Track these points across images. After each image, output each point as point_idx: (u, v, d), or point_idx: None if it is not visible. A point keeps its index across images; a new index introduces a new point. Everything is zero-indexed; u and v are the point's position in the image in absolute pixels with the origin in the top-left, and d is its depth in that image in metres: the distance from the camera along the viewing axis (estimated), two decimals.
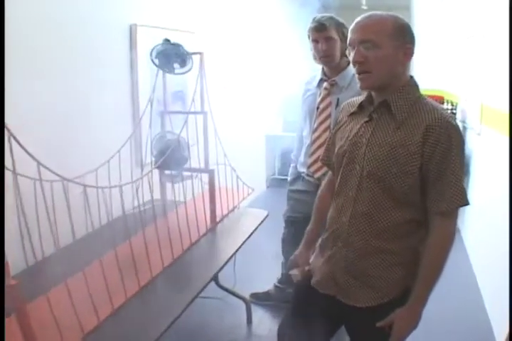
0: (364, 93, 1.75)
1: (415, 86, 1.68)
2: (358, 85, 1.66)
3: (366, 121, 1.69)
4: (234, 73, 4.99)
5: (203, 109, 2.80)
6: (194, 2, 4.07)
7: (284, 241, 3.31)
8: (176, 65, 2.68)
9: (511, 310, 2.26)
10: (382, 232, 1.65)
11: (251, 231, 2.87)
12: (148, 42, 3.04)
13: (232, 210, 3.17)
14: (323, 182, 2.03)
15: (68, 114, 2.69)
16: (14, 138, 1.46)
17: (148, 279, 2.18)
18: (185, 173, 2.80)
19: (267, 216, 3.15)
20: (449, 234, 1.61)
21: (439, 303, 2.00)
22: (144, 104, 2.77)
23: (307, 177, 3.01)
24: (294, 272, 1.97)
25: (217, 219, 2.94)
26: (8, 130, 1.44)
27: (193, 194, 2.65)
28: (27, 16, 2.38)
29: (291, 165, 3.24)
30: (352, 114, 1.78)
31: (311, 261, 1.93)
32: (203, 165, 2.86)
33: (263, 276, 3.71)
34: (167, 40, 2.67)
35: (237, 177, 3.15)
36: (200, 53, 2.74)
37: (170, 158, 2.49)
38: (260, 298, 3.47)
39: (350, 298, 1.73)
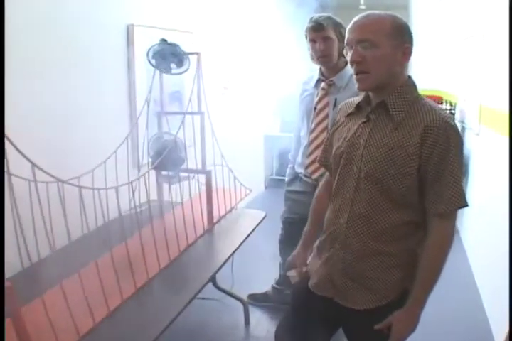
0: (362, 93, 1.73)
1: (413, 86, 1.66)
2: (356, 86, 1.64)
3: (364, 122, 1.68)
4: (232, 73, 4.98)
5: (199, 110, 2.79)
6: (192, 2, 4.06)
7: (281, 242, 3.30)
8: (173, 65, 2.67)
9: (511, 309, 2.25)
10: (380, 234, 1.64)
11: (248, 232, 2.86)
12: (145, 42, 3.04)
13: (230, 211, 3.16)
14: (321, 183, 2.02)
15: (65, 114, 2.69)
16: (7, 138, 1.45)
17: (144, 281, 2.17)
18: (182, 174, 2.79)
19: (265, 217, 3.14)
20: (448, 236, 1.59)
21: (438, 304, 1.99)
22: (141, 104, 2.76)
23: (305, 178, 3.00)
24: (292, 273, 1.96)
25: (215, 220, 2.93)
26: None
27: (190, 195, 2.63)
28: (24, 16, 2.38)
29: (289, 165, 3.23)
30: (349, 114, 1.77)
31: (308, 262, 1.92)
32: (200, 166, 2.84)
33: (261, 277, 3.70)
34: (164, 40, 2.65)
35: (235, 178, 3.14)
36: (197, 53, 2.73)
37: (167, 158, 2.48)
38: (258, 299, 3.45)
39: (347, 301, 1.72)
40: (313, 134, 2.88)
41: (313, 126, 2.89)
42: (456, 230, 1.64)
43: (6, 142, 1.44)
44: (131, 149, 2.85)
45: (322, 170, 2.42)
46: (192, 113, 2.72)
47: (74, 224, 1.82)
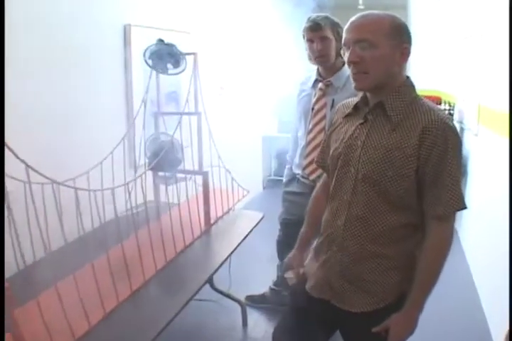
0: (359, 94, 1.72)
1: (411, 86, 1.65)
2: (353, 86, 1.63)
3: (361, 123, 1.66)
4: (229, 73, 4.97)
5: (196, 110, 2.77)
6: (189, 2, 4.05)
7: (279, 243, 3.29)
8: (170, 66, 2.66)
9: (511, 309, 2.24)
10: (377, 236, 1.62)
11: (246, 233, 2.85)
12: (142, 42, 3.02)
13: (227, 212, 3.14)
14: (318, 184, 2.01)
15: (62, 114, 2.68)
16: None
17: (141, 282, 2.16)
18: (179, 175, 2.78)
19: (263, 218, 3.13)
20: (447, 238, 1.58)
21: (436, 304, 1.98)
22: (138, 104, 2.74)
23: (302, 179, 2.99)
24: (289, 275, 1.94)
25: (212, 222, 2.92)
26: None
27: (187, 196, 2.62)
28: (20, 17, 2.37)
29: (287, 166, 3.22)
30: (347, 115, 1.75)
31: (305, 263, 1.90)
32: (197, 167, 2.83)
33: (258, 279, 3.69)
34: (160, 40, 2.64)
35: (232, 179, 3.13)
36: (194, 54, 2.71)
37: (163, 159, 2.47)
38: (256, 301, 3.44)
39: (345, 303, 1.70)
40: (311, 135, 2.87)
41: (310, 126, 2.88)
42: (455, 231, 1.63)
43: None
44: (128, 150, 2.83)
45: (320, 171, 2.40)
46: (189, 113, 2.71)
47: (70, 226, 1.81)
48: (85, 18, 2.83)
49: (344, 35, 1.60)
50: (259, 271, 3.85)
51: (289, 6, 4.34)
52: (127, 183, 2.15)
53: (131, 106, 3.29)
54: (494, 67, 3.46)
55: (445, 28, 6.09)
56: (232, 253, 2.60)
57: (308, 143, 2.88)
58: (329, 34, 2.73)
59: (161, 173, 2.85)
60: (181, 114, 2.59)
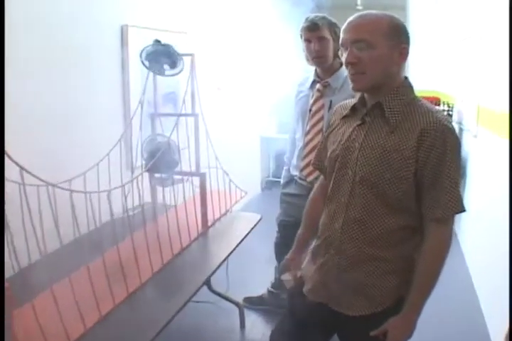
0: (357, 95, 1.70)
1: (410, 87, 1.63)
2: (351, 86, 1.61)
3: (359, 125, 1.64)
4: (227, 74, 4.95)
5: (194, 111, 2.76)
6: (186, 2, 4.04)
7: (276, 245, 3.27)
8: (166, 67, 2.64)
9: (511, 309, 2.23)
10: (375, 239, 1.61)
11: (244, 235, 2.84)
12: (139, 42, 3.01)
13: (225, 214, 3.13)
14: (315, 186, 1.99)
15: (61, 114, 2.68)
16: None
17: (137, 285, 2.15)
18: (176, 177, 2.77)
19: (260, 219, 3.12)
20: (445, 241, 1.57)
21: (435, 305, 1.96)
22: (135, 105, 2.73)
23: (300, 181, 2.97)
24: (286, 277, 1.93)
25: (209, 223, 2.90)
26: None
27: (184, 197, 2.61)
28: (20, 17, 2.36)
29: (284, 167, 3.20)
30: (345, 116, 1.73)
31: (302, 266, 1.89)
32: (194, 169, 2.81)
33: (256, 280, 3.68)
34: (157, 41, 2.63)
35: (230, 180, 3.11)
36: (191, 55, 2.70)
37: (160, 161, 2.46)
38: (254, 303, 3.43)
39: (342, 307, 1.69)
40: (308, 136, 2.85)
41: (308, 128, 2.86)
42: (454, 233, 1.62)
43: None
44: (125, 151, 2.82)
45: (317, 173, 2.38)
46: (186, 114, 2.69)
47: (66, 228, 1.79)
48: (85, 18, 2.83)
49: (342, 36, 1.58)
50: (257, 273, 3.84)
51: (287, 6, 4.32)
52: (124, 185, 2.14)
53: (128, 107, 3.28)
54: (493, 67, 3.45)
55: (444, 29, 6.09)
56: (229, 255, 2.59)
57: (305, 145, 2.87)
58: (327, 34, 2.71)
59: (157, 175, 2.83)
60: (178, 115, 2.58)
